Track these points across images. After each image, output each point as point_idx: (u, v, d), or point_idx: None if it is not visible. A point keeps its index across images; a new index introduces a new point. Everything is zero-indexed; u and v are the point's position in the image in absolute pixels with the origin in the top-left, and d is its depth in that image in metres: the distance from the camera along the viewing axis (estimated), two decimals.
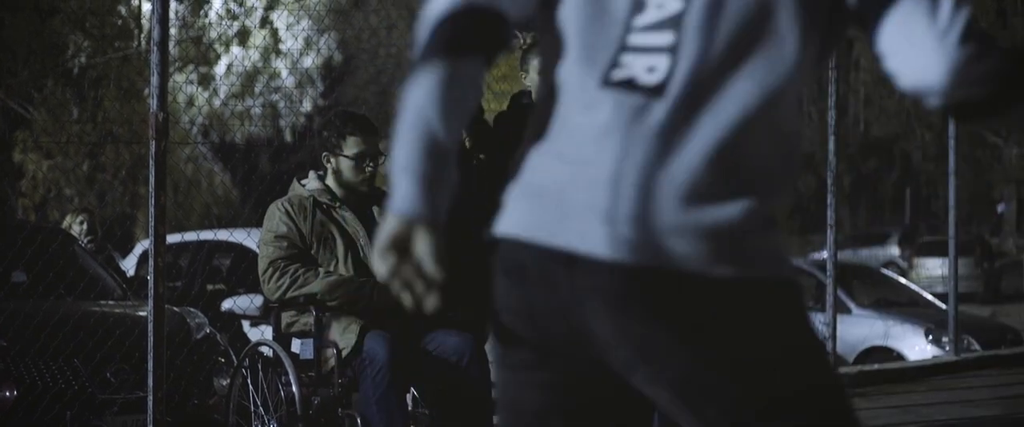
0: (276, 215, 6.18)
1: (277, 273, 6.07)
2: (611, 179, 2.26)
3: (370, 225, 6.23)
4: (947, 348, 12.36)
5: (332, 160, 6.26)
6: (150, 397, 6.50)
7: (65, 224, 10.15)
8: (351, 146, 6.23)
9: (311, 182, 6.31)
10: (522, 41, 7.04)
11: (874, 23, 2.31)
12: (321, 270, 6.08)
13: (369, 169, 6.25)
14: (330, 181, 6.29)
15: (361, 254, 6.17)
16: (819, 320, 11.16)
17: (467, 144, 6.66)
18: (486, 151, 6.73)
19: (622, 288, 2.24)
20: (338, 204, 6.23)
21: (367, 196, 6.32)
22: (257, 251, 6.53)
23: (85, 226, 9.98)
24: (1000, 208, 40.73)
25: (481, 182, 6.68)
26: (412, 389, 6.39)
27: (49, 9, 23.69)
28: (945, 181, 12.16)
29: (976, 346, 13.21)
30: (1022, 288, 29.53)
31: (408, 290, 2.36)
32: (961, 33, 2.24)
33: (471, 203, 6.67)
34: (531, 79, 6.98)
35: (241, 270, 10.56)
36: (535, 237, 2.37)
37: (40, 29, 23.25)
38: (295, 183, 6.35)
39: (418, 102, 2.36)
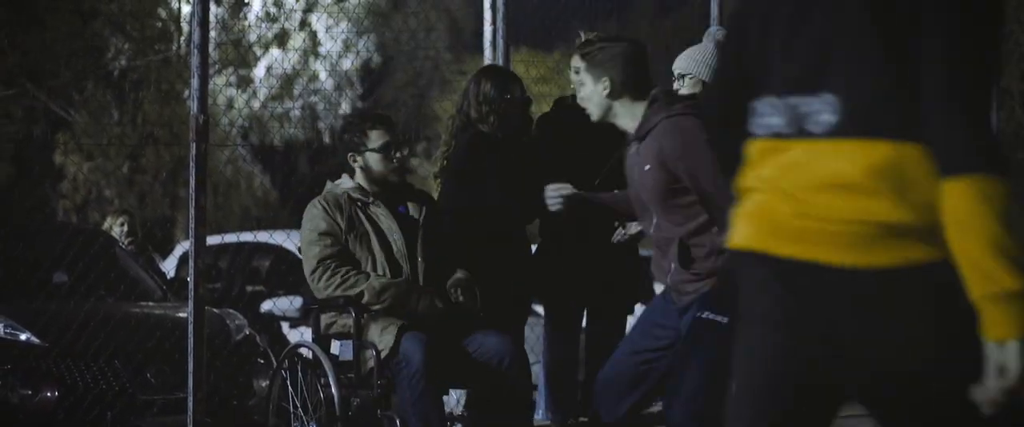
0: (315, 212, 6.22)
1: (328, 272, 6.10)
2: None
3: (403, 222, 6.27)
4: None
5: (358, 158, 6.30)
6: (190, 398, 6.54)
7: (105, 226, 10.21)
8: (375, 139, 6.27)
9: (344, 182, 6.36)
10: (580, 39, 7.03)
11: None
12: (371, 274, 6.12)
13: (397, 157, 6.30)
14: (360, 180, 6.32)
15: (395, 250, 6.20)
16: None
17: (506, 152, 6.67)
18: (524, 160, 6.74)
19: None
20: (371, 200, 6.27)
21: (398, 191, 6.36)
22: (297, 253, 6.57)
23: (125, 228, 10.04)
24: None
25: (521, 188, 6.69)
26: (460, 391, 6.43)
27: (89, 12, 23.82)
28: None
29: None
30: None
31: None
32: None
33: (510, 206, 6.70)
34: (573, 80, 6.97)
35: (281, 272, 10.59)
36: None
37: (80, 31, 23.38)
38: (329, 183, 6.40)
39: None
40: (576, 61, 5.28)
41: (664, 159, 4.99)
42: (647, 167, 5.05)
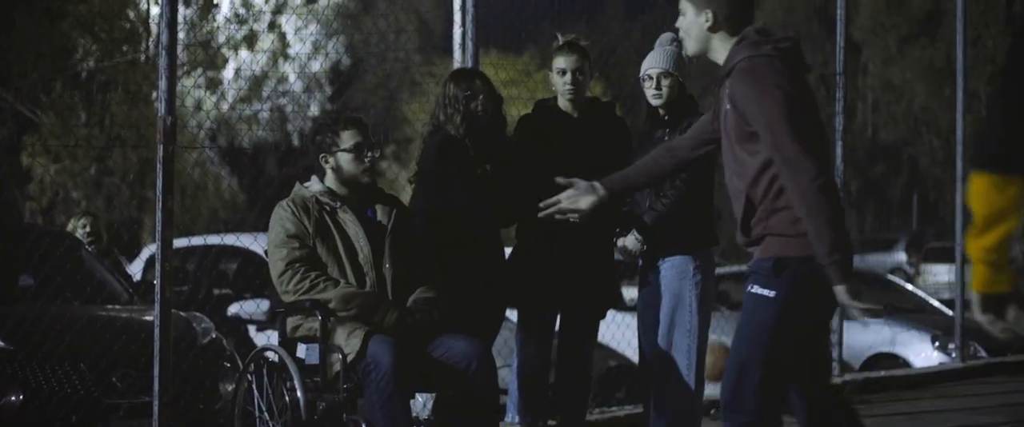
0: (283, 215, 6.21)
1: (297, 276, 6.09)
2: None
3: (370, 227, 6.25)
4: (953, 355, 12.33)
5: (330, 159, 6.29)
6: (156, 402, 6.50)
7: (69, 227, 10.15)
8: (347, 139, 6.27)
9: (313, 185, 6.34)
10: (557, 42, 7.02)
11: None
12: (341, 280, 6.11)
13: (368, 158, 6.29)
14: (330, 182, 6.32)
15: (360, 257, 6.19)
16: None
17: (472, 153, 6.67)
18: (493, 162, 6.74)
19: None
20: (339, 204, 6.26)
21: (368, 194, 6.35)
22: (264, 256, 6.54)
23: (88, 229, 9.99)
24: None
25: (489, 189, 6.69)
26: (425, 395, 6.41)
27: (58, 13, 23.73)
28: (953, 186, 12.11)
29: (982, 353, 13.18)
30: None
31: None
32: None
33: (478, 208, 6.69)
34: (554, 81, 6.97)
35: (248, 275, 10.56)
36: None
37: (49, 32, 23.29)
38: (297, 185, 6.38)
39: None
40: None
41: (735, 100, 4.79)
42: (726, 107, 4.86)
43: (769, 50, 4.82)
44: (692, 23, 4.95)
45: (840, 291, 4.69)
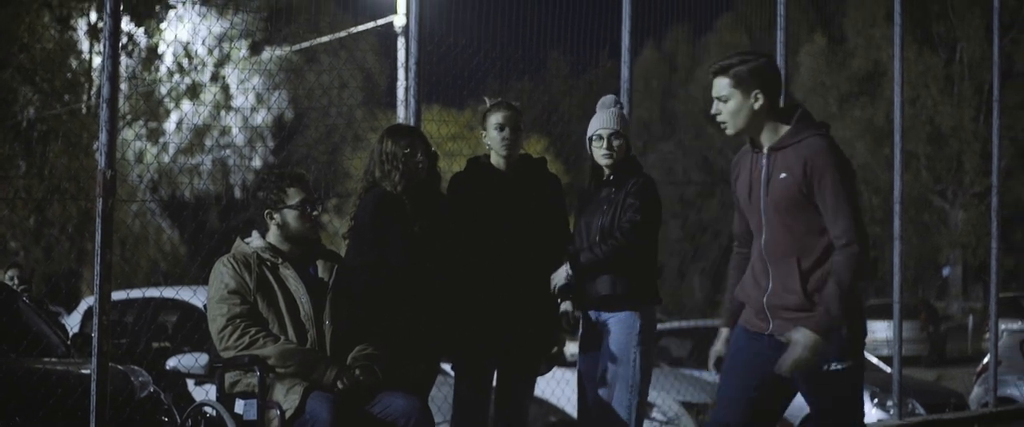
0: (223, 271, 6.19)
1: (238, 332, 6.07)
2: None
3: (311, 284, 6.25)
4: (891, 412, 12.39)
5: (276, 215, 6.29)
6: None
7: None
8: (293, 196, 6.29)
9: (255, 240, 6.33)
10: (486, 103, 7.07)
11: None
12: (281, 337, 6.09)
13: (315, 214, 6.32)
14: (273, 238, 6.31)
15: (302, 314, 6.18)
16: None
17: (409, 210, 6.68)
18: (428, 218, 6.74)
19: None
20: (281, 261, 6.25)
21: (309, 250, 6.35)
22: (203, 309, 6.52)
23: (15, 280, 9.92)
24: (945, 271, 41.02)
25: (424, 247, 6.69)
26: None
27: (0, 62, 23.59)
28: (891, 244, 12.21)
29: (920, 410, 13.26)
30: (967, 352, 29.70)
31: None
32: None
33: (416, 267, 6.69)
34: (490, 137, 7.00)
35: (187, 328, 10.49)
36: None
37: None
38: (238, 241, 6.37)
39: None
40: (719, 80, 5.27)
41: (809, 170, 5.13)
42: (782, 175, 5.19)
43: (827, 131, 5.26)
44: (741, 105, 5.25)
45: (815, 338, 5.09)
